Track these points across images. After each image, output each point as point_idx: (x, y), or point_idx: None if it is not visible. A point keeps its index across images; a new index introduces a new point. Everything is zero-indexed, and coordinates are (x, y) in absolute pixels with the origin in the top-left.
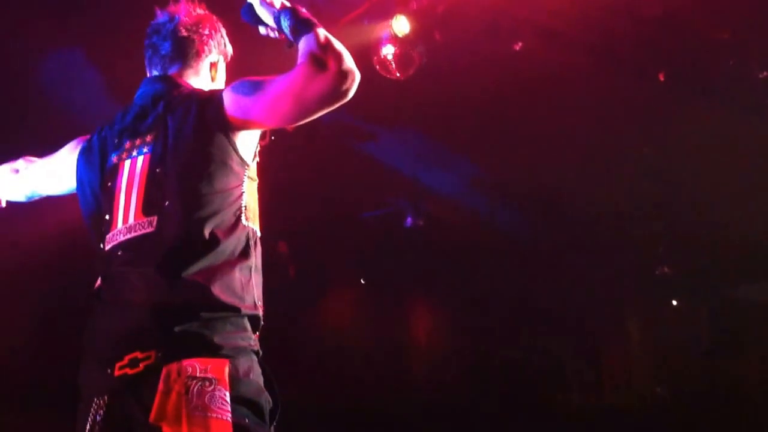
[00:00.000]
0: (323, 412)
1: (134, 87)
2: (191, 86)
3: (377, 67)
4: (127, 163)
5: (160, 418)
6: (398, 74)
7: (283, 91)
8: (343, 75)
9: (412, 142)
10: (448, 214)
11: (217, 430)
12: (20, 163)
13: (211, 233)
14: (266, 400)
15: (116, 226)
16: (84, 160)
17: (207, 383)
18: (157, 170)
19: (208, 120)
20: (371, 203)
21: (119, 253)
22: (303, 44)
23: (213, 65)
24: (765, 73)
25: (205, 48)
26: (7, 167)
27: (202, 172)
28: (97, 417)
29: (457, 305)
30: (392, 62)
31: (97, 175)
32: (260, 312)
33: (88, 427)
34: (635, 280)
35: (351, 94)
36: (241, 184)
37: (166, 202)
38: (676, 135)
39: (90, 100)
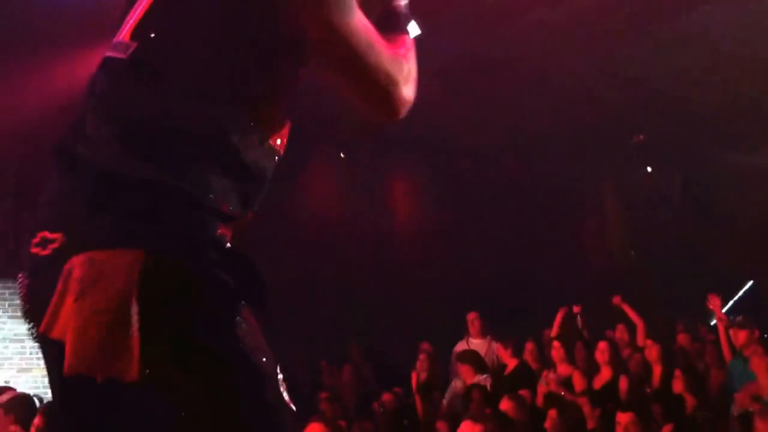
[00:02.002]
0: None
1: None
2: None
3: None
4: None
5: (49, 328)
6: None
7: (363, 72)
8: (397, 108)
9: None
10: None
11: (113, 347)
12: None
13: (188, 97)
14: (217, 286)
15: (113, 40)
16: None
17: (109, 287)
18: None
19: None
20: None
21: (97, 74)
22: (406, 65)
23: None
24: None
25: None
26: None
27: (224, 22)
28: (23, 293)
29: (436, 177)
30: None
31: None
32: (211, 203)
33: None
34: (611, 147)
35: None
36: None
37: (154, 36)
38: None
39: None
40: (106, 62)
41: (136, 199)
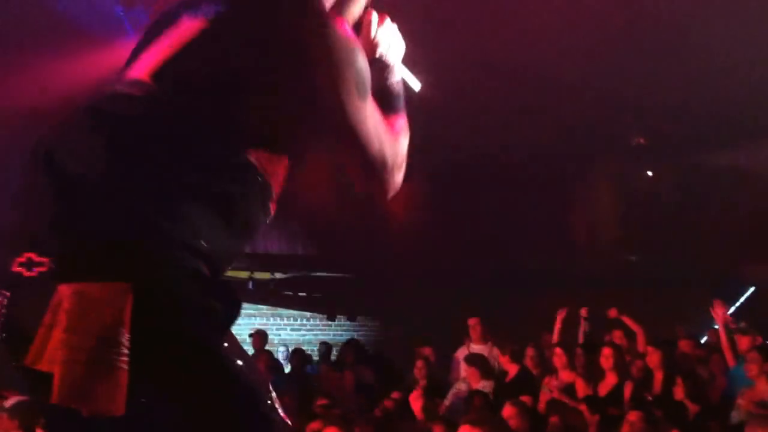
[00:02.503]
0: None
1: None
2: None
3: None
4: (187, 22)
5: (37, 360)
6: None
7: (356, 136)
8: (389, 192)
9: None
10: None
11: (101, 381)
12: None
13: (196, 142)
14: (201, 312)
15: (127, 74)
16: (154, 19)
17: (99, 319)
18: (198, 42)
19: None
20: None
21: (104, 103)
22: (400, 145)
23: None
24: None
25: None
26: None
27: (244, 77)
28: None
29: (429, 179)
30: None
31: (157, 25)
32: (203, 248)
33: None
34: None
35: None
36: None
37: (174, 78)
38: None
39: None
40: (118, 96)
41: (128, 233)
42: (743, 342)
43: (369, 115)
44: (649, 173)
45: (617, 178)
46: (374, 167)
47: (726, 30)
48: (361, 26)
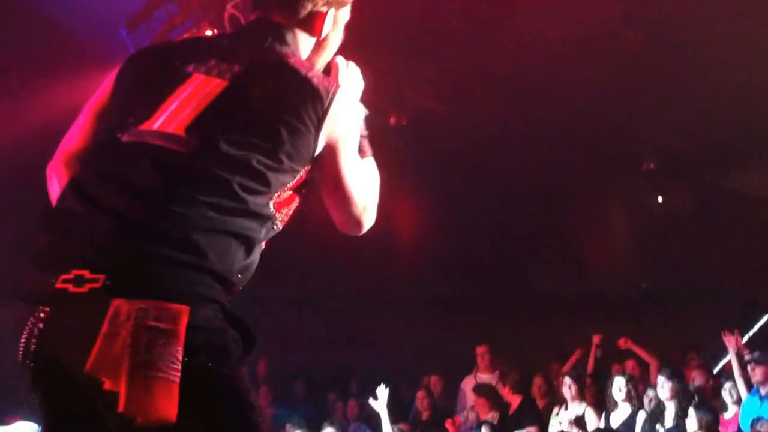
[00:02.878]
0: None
1: None
2: (295, 46)
3: None
4: (201, 77)
5: (97, 368)
6: None
7: (339, 196)
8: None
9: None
10: (430, 115)
11: (159, 393)
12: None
13: (234, 189)
14: (233, 339)
15: (150, 126)
16: (141, 59)
17: (159, 335)
18: (224, 101)
19: (307, 117)
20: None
21: (135, 151)
22: (372, 193)
23: (319, 16)
24: None
25: (300, 1)
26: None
27: (273, 127)
28: (35, 330)
29: (440, 200)
30: None
31: (158, 72)
32: (236, 279)
33: (24, 337)
34: (621, 175)
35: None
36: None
37: (211, 135)
38: (661, 18)
39: None
40: (160, 150)
41: (184, 261)
42: (758, 372)
43: (359, 168)
44: (660, 199)
45: (629, 203)
46: (354, 209)
47: (740, 56)
48: (329, 70)
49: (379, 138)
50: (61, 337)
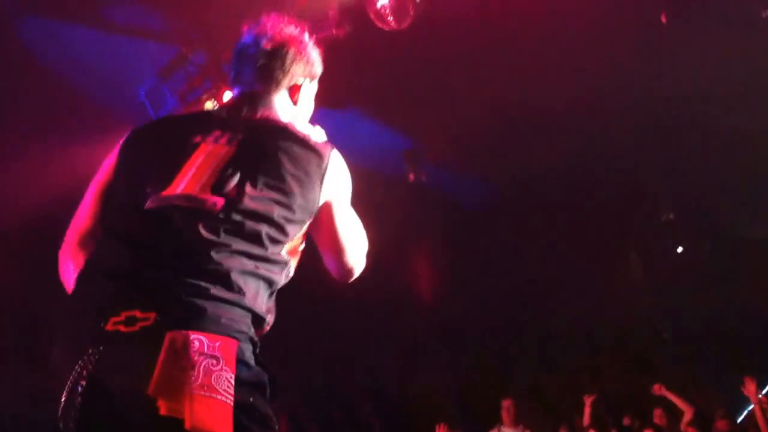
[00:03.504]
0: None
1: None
2: (281, 113)
3: (373, 17)
4: (209, 146)
5: (160, 390)
6: (394, 24)
7: (337, 250)
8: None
9: (408, 93)
10: (447, 170)
11: (218, 414)
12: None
13: (261, 239)
14: (269, 380)
15: (173, 191)
16: (144, 134)
17: (214, 361)
18: (238, 164)
19: (312, 172)
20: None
21: (164, 214)
22: (362, 244)
23: (296, 88)
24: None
25: (286, 74)
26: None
27: (286, 184)
28: (84, 371)
29: (458, 260)
30: (388, 13)
31: (166, 144)
32: (267, 319)
33: (72, 378)
34: (639, 227)
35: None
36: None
37: (235, 194)
38: (675, 76)
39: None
40: (189, 210)
41: (221, 299)
42: None
43: (352, 222)
44: (680, 249)
45: (648, 252)
46: (349, 262)
47: (753, 108)
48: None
49: (399, 193)
50: (116, 371)
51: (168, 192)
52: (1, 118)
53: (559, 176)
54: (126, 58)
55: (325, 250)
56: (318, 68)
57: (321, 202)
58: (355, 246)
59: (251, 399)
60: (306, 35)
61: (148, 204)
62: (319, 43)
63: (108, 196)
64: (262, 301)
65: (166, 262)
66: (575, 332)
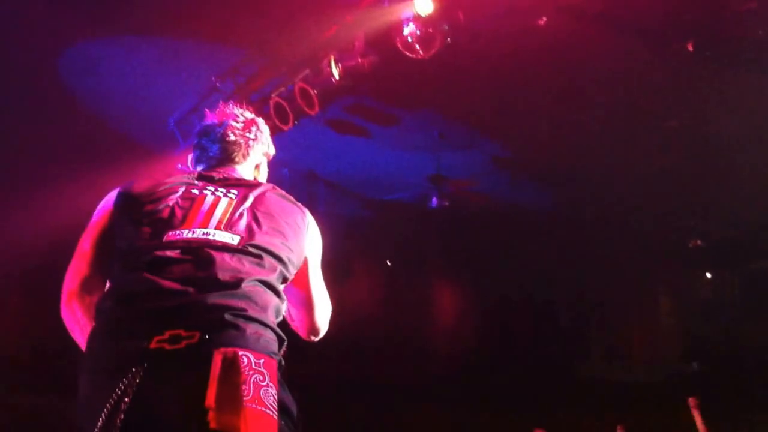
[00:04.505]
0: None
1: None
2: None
3: (400, 47)
4: (209, 196)
5: (217, 404)
6: (421, 53)
7: (309, 313)
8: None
9: (435, 123)
10: (472, 194)
11: (268, 427)
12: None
13: (275, 272)
14: (293, 400)
15: (189, 227)
16: (140, 186)
17: (261, 377)
18: (243, 211)
19: (300, 223)
20: (395, 186)
21: (188, 247)
22: (328, 313)
23: (257, 166)
24: None
25: (251, 152)
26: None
27: (284, 229)
28: (129, 389)
29: (482, 282)
30: (415, 42)
31: (166, 196)
32: (284, 344)
33: (115, 396)
34: (666, 253)
35: None
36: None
37: (247, 232)
38: (703, 107)
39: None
40: (217, 243)
41: (256, 320)
42: None
43: (322, 284)
44: (708, 275)
45: (677, 282)
46: (319, 321)
47: None
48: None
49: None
50: (164, 387)
51: (183, 228)
52: (43, 150)
53: (587, 209)
54: (156, 87)
55: (298, 305)
56: (272, 149)
57: (303, 256)
58: (326, 306)
59: (287, 416)
60: (262, 121)
61: (168, 237)
62: (346, 73)
63: (109, 242)
64: (279, 329)
65: (200, 288)
66: (600, 367)
